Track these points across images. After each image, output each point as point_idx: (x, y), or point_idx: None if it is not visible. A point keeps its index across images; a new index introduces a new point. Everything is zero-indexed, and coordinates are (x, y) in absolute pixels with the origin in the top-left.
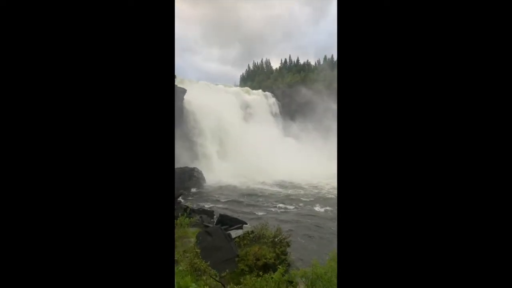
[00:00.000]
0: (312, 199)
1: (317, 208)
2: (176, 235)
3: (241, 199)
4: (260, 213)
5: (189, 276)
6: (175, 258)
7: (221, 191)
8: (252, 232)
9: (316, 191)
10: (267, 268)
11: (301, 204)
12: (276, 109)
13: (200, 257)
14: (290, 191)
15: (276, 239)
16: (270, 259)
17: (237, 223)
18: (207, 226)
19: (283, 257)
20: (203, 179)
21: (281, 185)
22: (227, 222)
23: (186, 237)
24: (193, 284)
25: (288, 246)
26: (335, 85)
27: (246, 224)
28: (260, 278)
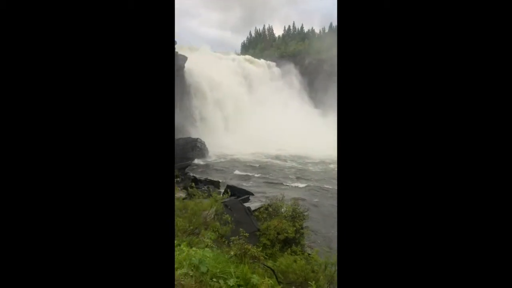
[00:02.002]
0: (317, 177)
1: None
2: (194, 208)
3: (246, 172)
4: (269, 190)
5: (245, 265)
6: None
7: (226, 163)
8: (269, 205)
9: (322, 166)
10: (287, 242)
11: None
12: (279, 79)
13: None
14: (293, 164)
15: (295, 213)
16: (291, 233)
17: (245, 194)
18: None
19: (302, 231)
20: (207, 150)
21: (292, 159)
22: (235, 192)
23: (204, 210)
24: (254, 276)
25: (306, 219)
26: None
27: (253, 195)
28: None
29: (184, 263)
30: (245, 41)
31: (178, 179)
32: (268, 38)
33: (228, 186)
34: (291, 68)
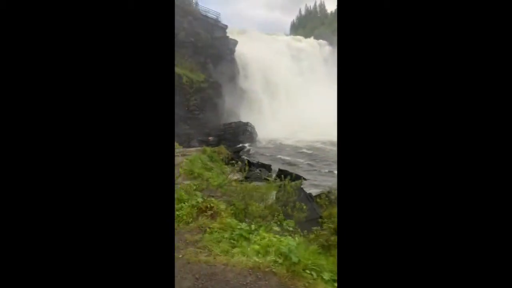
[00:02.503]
0: None
1: None
2: (250, 191)
3: (295, 158)
4: (318, 175)
5: (327, 256)
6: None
7: (275, 148)
8: (329, 192)
9: None
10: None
11: None
12: (332, 59)
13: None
14: None
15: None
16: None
17: (297, 178)
18: (267, 180)
19: None
20: (256, 134)
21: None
22: (287, 176)
23: (261, 192)
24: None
25: None
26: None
27: (306, 179)
28: None
29: (270, 249)
30: (295, 20)
31: (233, 161)
32: (319, 15)
33: (281, 170)
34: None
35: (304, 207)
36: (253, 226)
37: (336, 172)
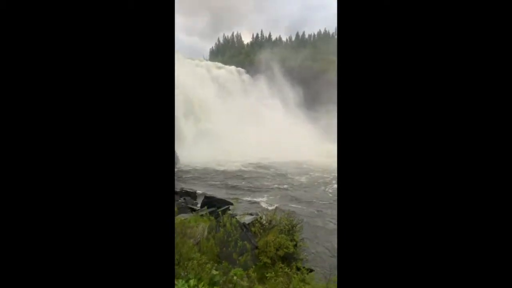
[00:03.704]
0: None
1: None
2: (179, 228)
3: (219, 182)
4: (245, 198)
5: None
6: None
7: (196, 172)
8: (261, 218)
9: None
10: (286, 259)
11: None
12: (250, 86)
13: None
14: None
15: (291, 225)
16: (290, 248)
17: (224, 204)
18: (193, 209)
19: (301, 244)
20: (177, 159)
21: (263, 166)
22: (214, 203)
23: (191, 227)
24: None
25: (301, 231)
26: (307, 63)
27: (233, 204)
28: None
29: None
30: (214, 48)
31: None
32: (236, 45)
33: (207, 198)
34: (260, 76)
35: (248, 246)
36: (192, 282)
37: (260, 198)
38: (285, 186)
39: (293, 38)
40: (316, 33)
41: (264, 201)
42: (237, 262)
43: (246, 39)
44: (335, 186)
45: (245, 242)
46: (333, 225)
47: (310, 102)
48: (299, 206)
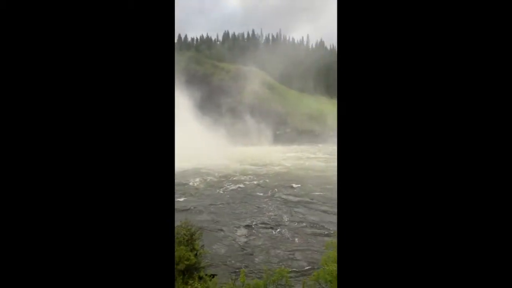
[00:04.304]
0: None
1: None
2: None
3: None
4: None
5: None
6: None
7: None
8: None
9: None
10: (188, 270)
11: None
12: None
13: None
14: None
15: (189, 234)
16: (192, 259)
17: None
18: None
19: (201, 252)
20: None
21: None
22: None
23: None
24: None
25: (200, 239)
26: (191, 66)
27: None
28: None
29: None
30: None
31: None
32: None
33: None
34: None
35: None
36: None
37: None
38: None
39: (176, 40)
40: (199, 37)
41: None
42: None
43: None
44: (230, 187)
45: None
46: (231, 225)
47: (200, 106)
48: (198, 210)
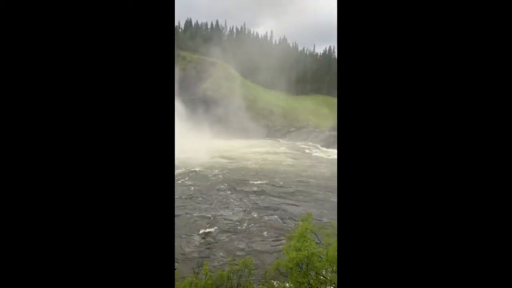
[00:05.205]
0: None
1: None
2: None
3: None
4: None
5: None
6: None
7: None
8: None
9: None
10: None
11: None
12: None
13: None
14: None
15: None
16: None
17: None
18: None
19: None
20: None
21: None
22: None
23: None
24: None
25: None
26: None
27: None
28: None
29: None
30: None
31: None
32: None
33: None
34: None
35: None
36: None
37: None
38: None
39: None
40: None
41: None
42: None
43: None
44: (188, 182)
45: None
46: (190, 216)
47: None
48: None
